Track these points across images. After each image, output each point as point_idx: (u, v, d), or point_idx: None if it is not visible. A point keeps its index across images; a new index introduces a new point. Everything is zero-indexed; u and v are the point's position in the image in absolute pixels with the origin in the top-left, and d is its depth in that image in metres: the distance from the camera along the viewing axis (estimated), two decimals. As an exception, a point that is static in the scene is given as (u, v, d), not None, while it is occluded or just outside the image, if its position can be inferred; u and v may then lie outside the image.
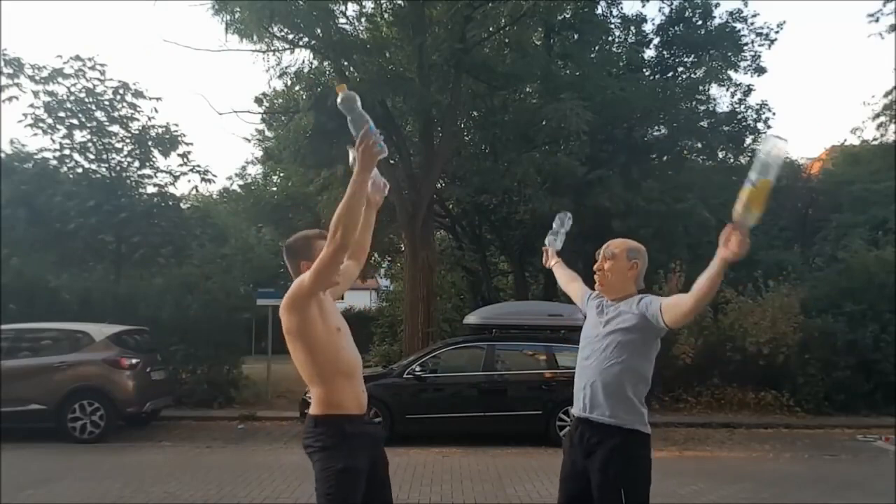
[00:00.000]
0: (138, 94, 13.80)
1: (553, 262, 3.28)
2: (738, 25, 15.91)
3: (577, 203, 13.84)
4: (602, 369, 2.53)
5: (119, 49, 58.38)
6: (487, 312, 10.35)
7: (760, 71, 16.32)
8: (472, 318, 10.31)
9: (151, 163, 14.32)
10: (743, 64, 16.11)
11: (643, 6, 25.12)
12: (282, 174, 19.73)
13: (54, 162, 14.10)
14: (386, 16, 14.37)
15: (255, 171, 22.91)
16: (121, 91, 13.67)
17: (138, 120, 13.92)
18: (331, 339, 2.47)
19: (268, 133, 18.87)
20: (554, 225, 3.29)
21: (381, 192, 2.71)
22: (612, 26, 16.60)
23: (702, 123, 15.76)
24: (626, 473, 2.46)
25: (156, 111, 14.17)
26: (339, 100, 2.30)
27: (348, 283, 2.81)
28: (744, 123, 16.56)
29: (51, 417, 8.60)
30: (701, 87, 15.65)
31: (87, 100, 13.49)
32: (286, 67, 14.26)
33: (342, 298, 2.71)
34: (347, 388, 2.49)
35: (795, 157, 24.24)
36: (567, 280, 3.17)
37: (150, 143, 14.01)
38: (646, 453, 2.53)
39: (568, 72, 14.83)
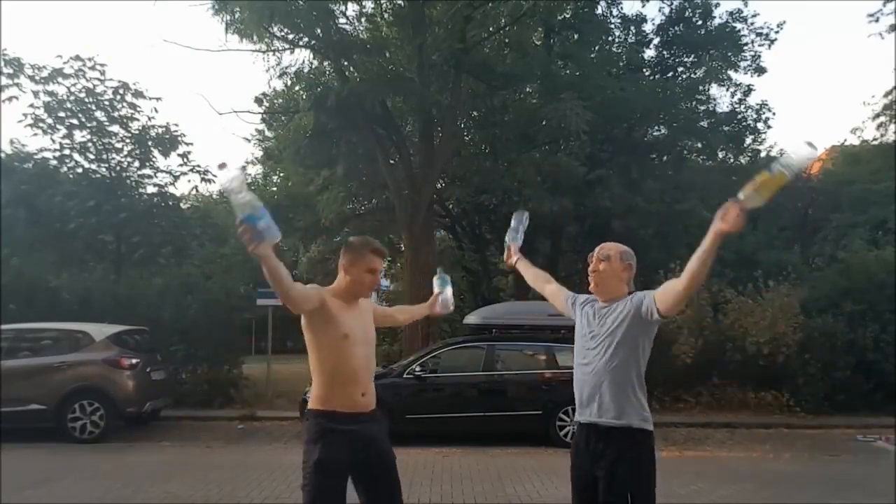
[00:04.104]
0: (138, 94, 13.82)
1: (515, 259, 3.22)
2: (738, 25, 15.96)
3: (577, 203, 13.85)
4: (603, 372, 2.52)
5: (119, 49, 58.38)
6: (487, 312, 10.35)
7: (760, 71, 16.35)
8: (472, 318, 10.30)
9: (151, 163, 14.33)
10: (743, 64, 16.15)
11: (643, 6, 25.17)
12: (282, 174, 19.74)
13: (54, 162, 14.12)
14: (386, 16, 14.37)
15: (255, 171, 22.93)
16: (121, 91, 13.68)
17: (138, 120, 13.95)
18: (334, 344, 2.57)
19: (268, 133, 18.92)
20: (512, 223, 3.29)
21: (446, 309, 3.27)
22: (612, 26, 16.63)
23: (702, 123, 15.78)
24: (634, 473, 2.48)
25: (156, 111, 14.24)
26: (220, 183, 2.26)
27: (389, 324, 3.35)
28: (744, 123, 16.58)
29: (51, 417, 8.59)
30: (701, 87, 15.67)
31: (87, 100, 13.50)
32: (286, 67, 14.31)
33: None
34: (341, 389, 2.59)
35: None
36: (539, 280, 3.09)
37: (150, 143, 14.02)
38: (651, 450, 2.54)
39: (568, 72, 14.84)
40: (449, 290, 3.28)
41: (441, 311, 3.27)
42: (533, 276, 3.13)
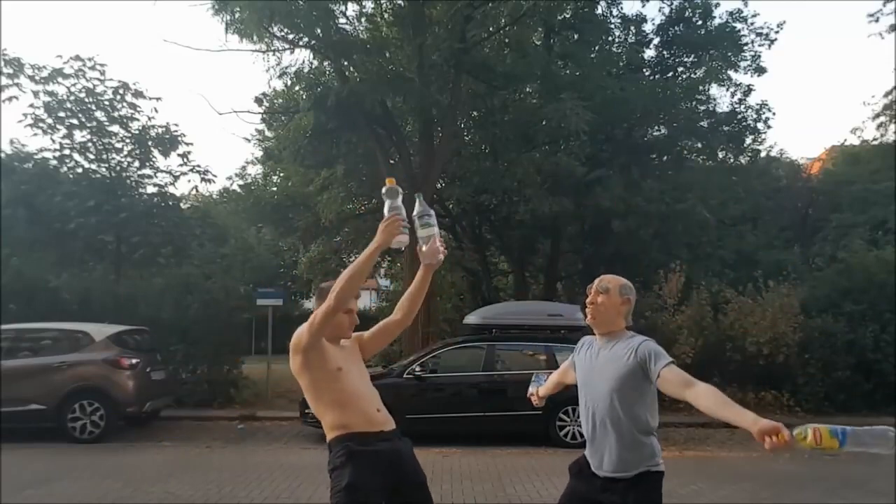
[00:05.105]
0: (138, 94, 13.80)
1: (542, 396, 3.24)
2: (738, 25, 15.96)
3: (577, 203, 13.84)
4: (608, 421, 2.49)
5: (119, 49, 58.43)
6: (487, 312, 10.34)
7: (760, 71, 16.34)
8: (472, 318, 10.30)
9: (151, 163, 14.31)
10: (743, 64, 16.13)
11: (643, 6, 25.27)
12: (282, 174, 19.75)
13: (54, 162, 14.10)
14: (386, 16, 14.37)
15: (255, 171, 22.98)
16: (121, 91, 13.65)
17: (138, 120, 13.92)
18: (330, 376, 2.57)
19: (268, 133, 18.90)
20: (532, 383, 3.29)
21: (436, 257, 2.76)
22: (612, 26, 16.61)
23: (702, 123, 15.78)
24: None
25: (156, 111, 14.22)
26: (384, 190, 2.52)
27: (387, 340, 3.05)
28: (744, 123, 16.57)
29: (51, 417, 8.59)
30: (701, 87, 15.65)
31: (87, 100, 13.48)
32: (286, 67, 14.29)
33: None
34: (352, 411, 2.58)
35: (795, 157, 24.31)
36: (558, 380, 3.14)
37: (150, 143, 14.00)
38: (659, 487, 2.53)
39: (568, 72, 14.83)
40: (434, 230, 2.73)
41: (430, 259, 2.76)
42: (556, 381, 3.16)
